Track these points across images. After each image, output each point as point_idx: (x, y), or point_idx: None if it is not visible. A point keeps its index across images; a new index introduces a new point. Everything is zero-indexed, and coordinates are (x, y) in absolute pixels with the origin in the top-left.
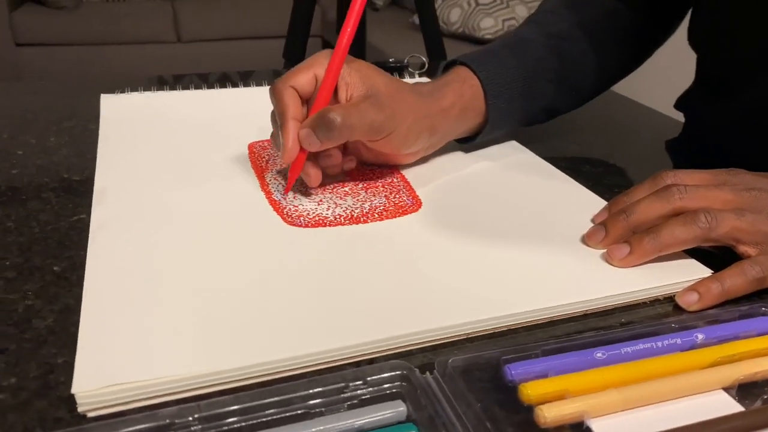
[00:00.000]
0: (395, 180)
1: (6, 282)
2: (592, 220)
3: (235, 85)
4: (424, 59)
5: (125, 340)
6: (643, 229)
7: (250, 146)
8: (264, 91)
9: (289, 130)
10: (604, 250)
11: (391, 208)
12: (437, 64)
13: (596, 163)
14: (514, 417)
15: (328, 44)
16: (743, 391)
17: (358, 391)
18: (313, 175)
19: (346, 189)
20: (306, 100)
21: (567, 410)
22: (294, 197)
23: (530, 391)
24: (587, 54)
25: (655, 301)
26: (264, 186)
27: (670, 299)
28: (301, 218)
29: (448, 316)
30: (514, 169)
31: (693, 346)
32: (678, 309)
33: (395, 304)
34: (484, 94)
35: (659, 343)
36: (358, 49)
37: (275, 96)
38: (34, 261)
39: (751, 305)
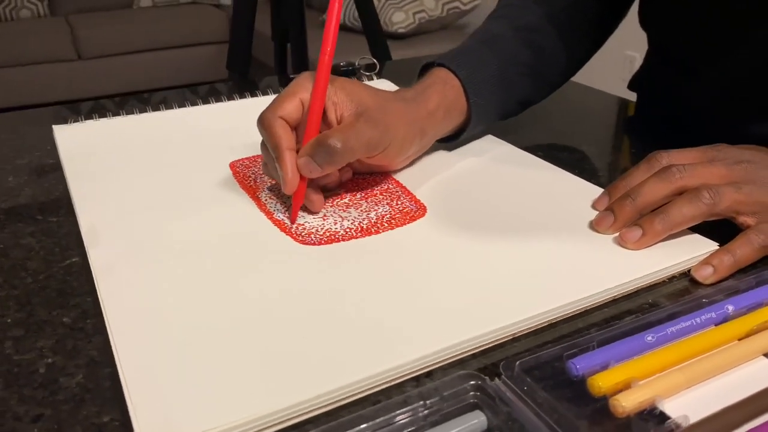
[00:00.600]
0: (391, 186)
1: (16, 341)
2: (593, 207)
3: (181, 103)
4: (374, 61)
5: (179, 387)
6: (648, 210)
7: (232, 166)
8: (223, 106)
9: (287, 161)
10: (613, 236)
11: (397, 215)
12: (384, 65)
13: (572, 150)
14: (586, 410)
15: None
16: None
17: (435, 407)
18: (317, 201)
19: (346, 201)
20: (294, 127)
21: (641, 397)
22: (290, 214)
23: (601, 383)
24: (556, 45)
25: (671, 279)
26: (261, 206)
27: (684, 275)
28: (312, 236)
29: (497, 317)
30: (500, 163)
31: (726, 318)
32: (694, 283)
33: (443, 312)
34: (465, 93)
35: (698, 319)
36: (301, 56)
37: (265, 128)
38: (39, 314)
39: (759, 272)
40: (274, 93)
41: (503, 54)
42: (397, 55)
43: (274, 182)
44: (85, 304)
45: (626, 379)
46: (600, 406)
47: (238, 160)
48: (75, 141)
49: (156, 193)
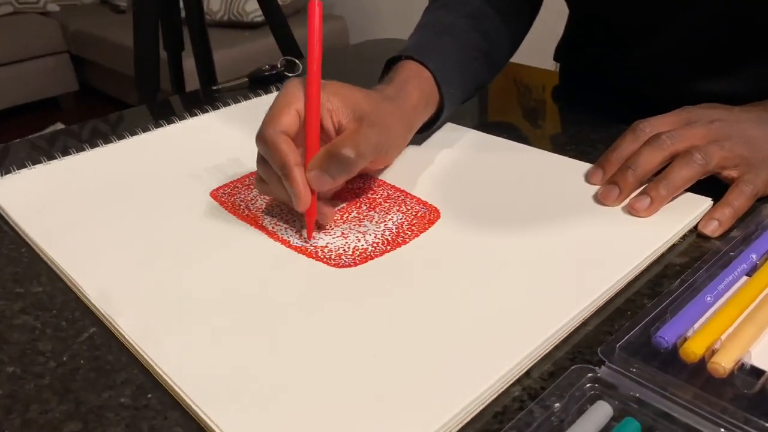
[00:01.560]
0: (390, 192)
1: None
2: (589, 181)
3: (107, 137)
4: (296, 60)
5: None
6: (647, 178)
7: (214, 196)
8: (164, 132)
9: (297, 177)
10: (620, 207)
11: (414, 221)
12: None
13: (528, 128)
14: (683, 376)
15: (77, 59)
16: None
17: (562, 408)
18: (329, 213)
19: (355, 214)
20: (293, 139)
21: (734, 354)
22: (315, 237)
23: (695, 349)
24: (500, 28)
25: (684, 237)
26: (272, 235)
27: (691, 231)
28: (342, 257)
29: (571, 304)
30: (478, 151)
31: (755, 267)
32: (703, 237)
33: (523, 308)
34: (437, 83)
35: (735, 272)
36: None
37: (269, 146)
38: (89, 400)
39: (749, 220)
40: (201, 112)
41: (460, 42)
42: (255, 45)
43: (270, 203)
44: (135, 377)
45: (713, 341)
46: (693, 370)
47: (218, 189)
48: (20, 197)
49: (148, 241)
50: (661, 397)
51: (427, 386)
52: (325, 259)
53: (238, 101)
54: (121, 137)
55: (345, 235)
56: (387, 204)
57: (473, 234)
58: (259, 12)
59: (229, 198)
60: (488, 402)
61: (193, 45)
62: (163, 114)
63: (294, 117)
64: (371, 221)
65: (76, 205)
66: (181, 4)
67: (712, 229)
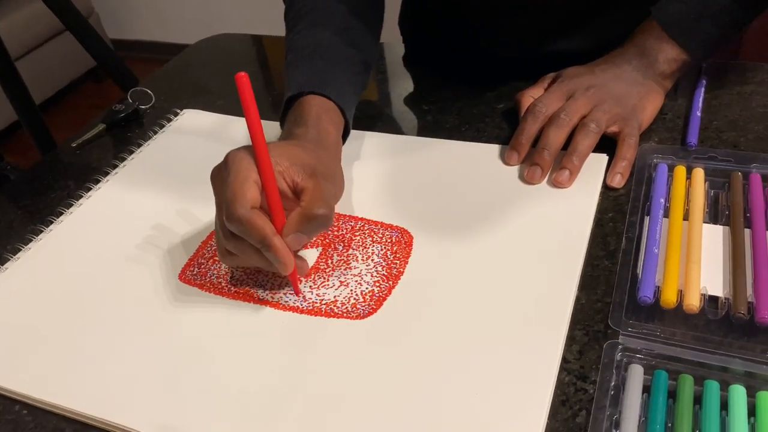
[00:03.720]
0: (349, 222)
1: None
2: (507, 164)
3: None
4: (147, 90)
5: None
6: (557, 153)
7: (184, 280)
8: (73, 219)
9: (279, 246)
10: (545, 183)
11: (397, 249)
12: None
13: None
14: (669, 320)
15: None
16: None
17: (606, 382)
18: (304, 265)
19: (336, 257)
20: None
21: (696, 292)
22: (312, 297)
23: (669, 298)
24: (365, 33)
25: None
26: (275, 305)
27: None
28: (359, 308)
29: (566, 287)
30: (395, 155)
31: (666, 209)
32: (611, 189)
33: (538, 305)
34: (341, 111)
35: (658, 219)
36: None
37: (245, 224)
38: None
39: (638, 161)
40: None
41: (345, 63)
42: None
43: (246, 272)
44: None
45: (677, 287)
46: (672, 313)
47: (184, 270)
48: None
49: (150, 352)
50: (681, 348)
51: (508, 401)
52: (345, 314)
53: (115, 165)
54: (34, 232)
55: (345, 284)
56: (358, 237)
57: (450, 248)
58: None
59: (202, 278)
60: (552, 395)
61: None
62: (41, 192)
63: (256, 190)
64: (357, 261)
65: (31, 325)
66: None
67: (617, 181)
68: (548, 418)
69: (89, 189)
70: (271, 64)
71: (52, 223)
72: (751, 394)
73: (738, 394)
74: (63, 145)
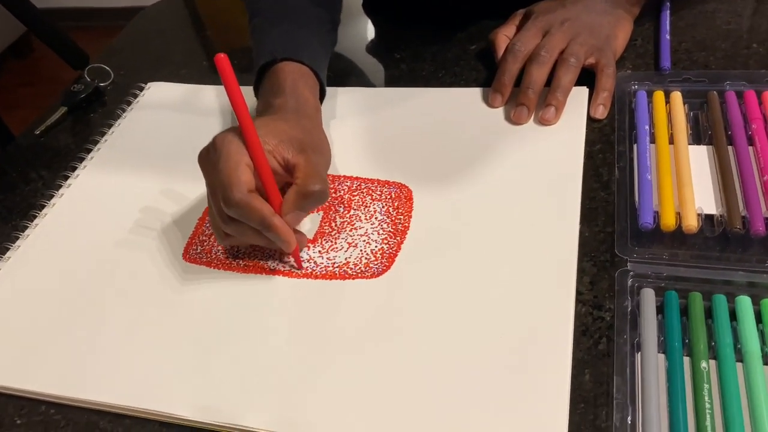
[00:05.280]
0: (346, 183)
1: None
2: (491, 106)
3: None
4: (105, 67)
5: None
6: (541, 90)
7: (189, 259)
8: (58, 209)
9: (280, 225)
10: (531, 121)
11: (399, 205)
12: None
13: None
14: (670, 242)
15: None
16: None
17: (620, 307)
18: (303, 238)
19: (339, 219)
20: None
21: (693, 211)
22: (324, 262)
23: (668, 221)
24: None
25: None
26: (288, 273)
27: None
28: (372, 266)
29: (570, 221)
30: (383, 109)
31: (652, 134)
32: (594, 120)
33: (544, 244)
34: (315, 74)
35: (646, 146)
36: None
37: (244, 208)
38: None
39: (618, 89)
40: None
41: (314, 24)
42: None
43: (252, 246)
44: None
45: (674, 209)
46: (672, 236)
47: (187, 248)
48: None
49: (173, 334)
50: (686, 268)
51: (533, 334)
52: (360, 274)
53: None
54: (18, 228)
55: (353, 244)
56: (357, 197)
57: (450, 196)
58: None
59: (208, 255)
60: (572, 331)
61: None
62: (12, 187)
63: (249, 173)
64: (361, 220)
65: (41, 325)
66: None
67: (601, 112)
68: (574, 350)
69: (67, 177)
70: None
71: (35, 217)
72: (756, 303)
73: (744, 303)
74: (24, 133)
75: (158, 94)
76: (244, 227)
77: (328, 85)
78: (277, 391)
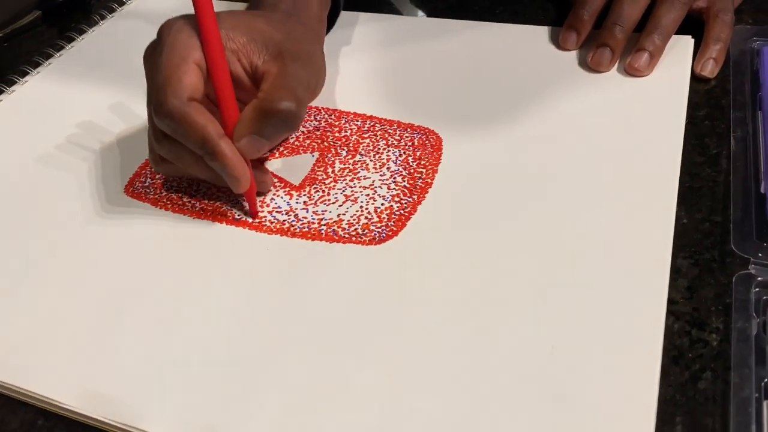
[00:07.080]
0: (356, 121)
1: None
2: (564, 48)
3: None
4: None
5: None
6: (632, 30)
7: (130, 193)
8: None
9: (227, 151)
10: (614, 70)
11: (422, 155)
12: None
13: None
14: None
15: None
16: None
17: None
18: (269, 179)
19: (339, 165)
20: (202, 102)
21: None
22: (308, 216)
23: None
24: None
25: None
26: (257, 227)
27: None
28: (372, 229)
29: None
30: (413, 40)
31: None
32: (699, 80)
33: (639, 231)
34: None
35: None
36: None
37: (178, 121)
38: None
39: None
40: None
41: None
42: None
43: (215, 186)
44: None
45: None
46: None
47: (132, 179)
48: None
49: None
50: None
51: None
52: (354, 238)
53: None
54: None
55: (352, 198)
56: (368, 140)
57: (493, 155)
58: None
59: (156, 191)
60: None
61: None
62: None
63: (196, 74)
64: (368, 169)
65: None
66: None
67: (710, 69)
68: (659, 382)
69: (13, 82)
70: None
71: None
72: None
73: None
74: None
75: (149, 3)
76: (180, 149)
77: (349, 10)
78: (202, 391)
